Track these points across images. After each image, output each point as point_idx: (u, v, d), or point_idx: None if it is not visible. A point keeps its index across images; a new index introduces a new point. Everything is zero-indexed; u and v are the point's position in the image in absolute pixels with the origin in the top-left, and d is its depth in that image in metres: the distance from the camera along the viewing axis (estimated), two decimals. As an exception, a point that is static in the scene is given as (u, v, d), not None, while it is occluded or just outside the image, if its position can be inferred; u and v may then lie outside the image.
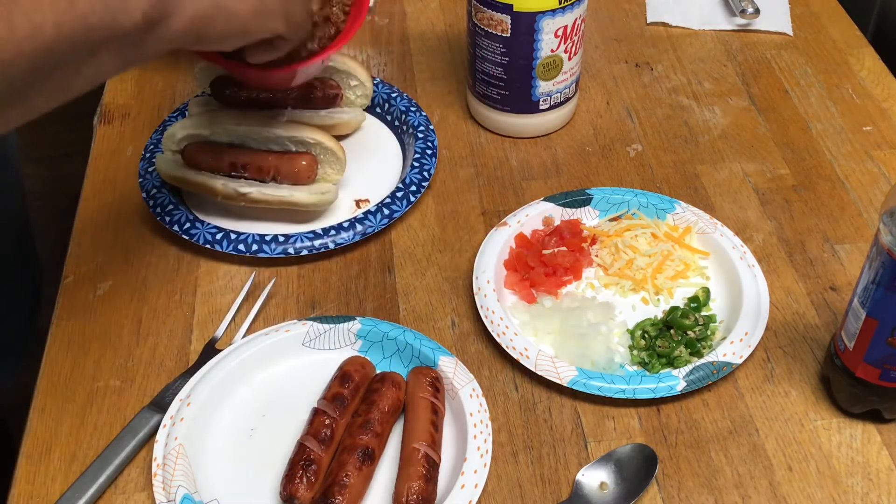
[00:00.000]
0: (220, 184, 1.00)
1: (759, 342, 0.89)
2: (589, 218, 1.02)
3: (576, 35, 1.06)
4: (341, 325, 0.89)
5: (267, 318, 0.94)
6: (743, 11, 1.28)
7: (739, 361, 0.87)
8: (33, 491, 0.81)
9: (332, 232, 0.98)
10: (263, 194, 0.99)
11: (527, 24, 1.02)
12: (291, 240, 0.98)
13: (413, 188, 1.03)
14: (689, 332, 0.90)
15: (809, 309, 0.94)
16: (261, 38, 0.84)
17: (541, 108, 1.10)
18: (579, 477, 0.80)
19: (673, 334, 0.90)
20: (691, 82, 1.22)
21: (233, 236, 0.98)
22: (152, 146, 1.08)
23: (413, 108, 1.13)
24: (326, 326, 0.89)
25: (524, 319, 0.92)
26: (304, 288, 0.97)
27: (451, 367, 0.86)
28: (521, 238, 0.98)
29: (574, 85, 1.12)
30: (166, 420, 0.82)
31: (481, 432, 0.81)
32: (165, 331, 0.93)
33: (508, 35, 1.04)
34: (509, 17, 1.02)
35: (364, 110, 1.14)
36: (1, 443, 1.43)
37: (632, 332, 0.91)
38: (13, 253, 1.23)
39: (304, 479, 0.77)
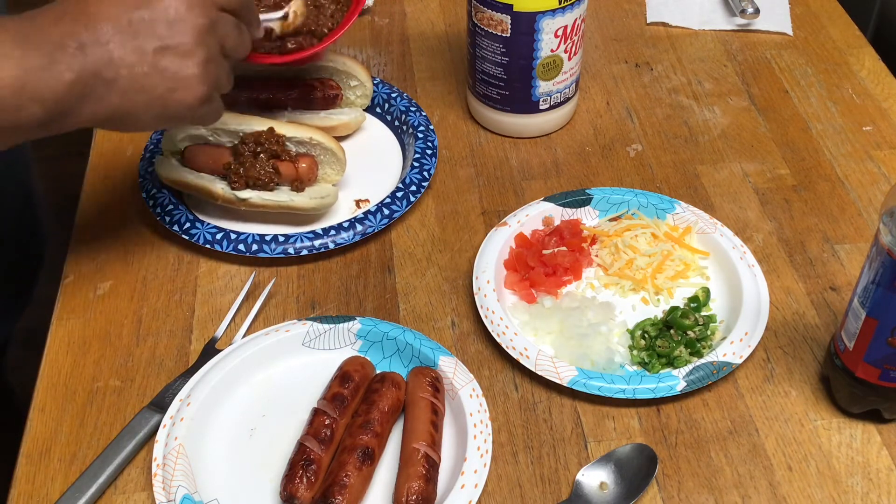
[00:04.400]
0: (220, 188, 1.00)
1: (759, 342, 0.89)
2: (589, 218, 1.02)
3: (576, 35, 1.06)
4: (341, 325, 0.89)
5: (267, 318, 0.94)
6: (743, 11, 1.28)
7: (739, 361, 0.87)
8: (33, 491, 0.81)
9: (332, 232, 0.98)
10: (263, 199, 0.99)
11: (527, 24, 1.02)
12: (291, 240, 0.98)
13: (413, 188, 1.03)
14: (689, 332, 0.90)
15: (809, 309, 0.94)
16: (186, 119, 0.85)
17: (541, 108, 1.11)
18: (579, 477, 0.80)
19: (673, 334, 0.90)
20: (691, 82, 1.22)
21: (233, 236, 0.98)
22: (152, 146, 1.08)
23: (413, 108, 1.13)
24: (326, 326, 0.89)
25: (524, 319, 0.92)
26: (304, 288, 0.97)
27: (451, 367, 0.86)
28: (521, 238, 0.98)
29: (574, 85, 1.12)
30: (166, 420, 0.82)
31: (481, 432, 0.81)
32: (165, 331, 0.93)
33: (508, 35, 1.04)
34: (509, 17, 1.02)
35: (364, 110, 1.14)
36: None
37: (632, 332, 0.91)
38: (17, 217, 1.25)
39: (304, 479, 0.77)
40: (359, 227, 0.99)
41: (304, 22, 1.01)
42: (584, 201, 1.02)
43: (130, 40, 0.78)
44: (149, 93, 0.80)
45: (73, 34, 0.75)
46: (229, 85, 0.87)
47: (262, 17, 0.97)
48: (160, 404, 0.85)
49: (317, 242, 0.98)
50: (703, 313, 0.93)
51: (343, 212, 1.04)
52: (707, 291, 0.95)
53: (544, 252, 0.96)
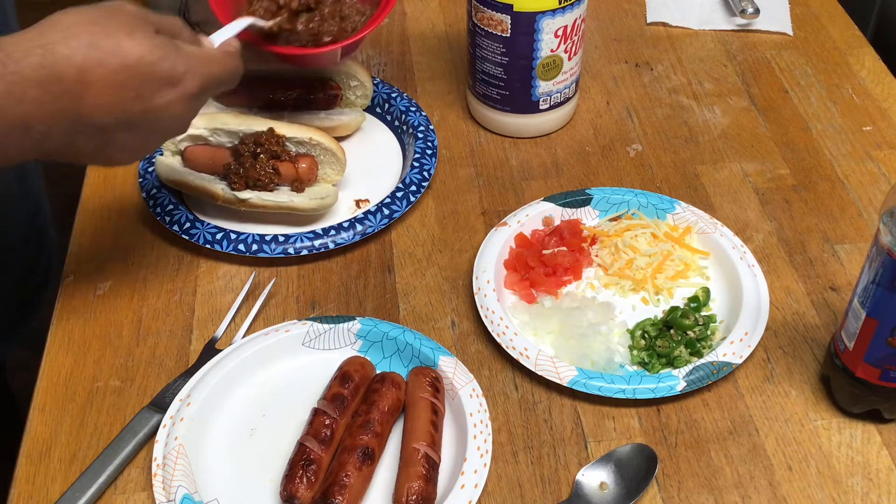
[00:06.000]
0: (220, 188, 1.00)
1: (759, 342, 0.89)
2: (589, 218, 1.02)
3: (576, 35, 1.06)
4: (341, 325, 0.89)
5: (267, 318, 0.94)
6: (743, 11, 1.28)
7: (739, 361, 0.87)
8: (33, 491, 0.81)
9: (332, 232, 0.98)
10: (263, 199, 0.99)
11: (527, 24, 1.02)
12: (291, 240, 0.98)
13: (413, 188, 1.03)
14: (689, 332, 0.90)
15: (809, 309, 0.94)
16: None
17: (541, 108, 1.10)
18: (579, 477, 0.80)
19: (673, 334, 0.90)
20: (691, 82, 1.22)
21: (233, 236, 0.98)
22: (152, 146, 1.08)
23: (413, 108, 1.13)
24: (326, 326, 0.89)
25: (524, 319, 0.92)
26: (304, 288, 0.97)
27: (451, 367, 0.86)
28: (521, 238, 0.98)
29: (574, 85, 1.12)
30: (166, 420, 0.82)
31: (481, 432, 0.81)
32: (165, 331, 0.93)
33: (508, 35, 1.04)
34: (509, 17, 1.02)
35: (364, 110, 1.14)
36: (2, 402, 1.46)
37: (632, 332, 0.91)
38: (26, 229, 1.25)
39: (304, 479, 0.77)
40: (359, 227, 0.99)
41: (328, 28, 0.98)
42: (584, 201, 1.02)
43: (127, 132, 0.75)
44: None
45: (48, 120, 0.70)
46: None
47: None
48: (160, 404, 0.85)
49: (317, 242, 0.98)
50: (703, 313, 0.93)
51: (343, 212, 1.04)
52: (707, 291, 0.95)
53: (544, 252, 0.96)
